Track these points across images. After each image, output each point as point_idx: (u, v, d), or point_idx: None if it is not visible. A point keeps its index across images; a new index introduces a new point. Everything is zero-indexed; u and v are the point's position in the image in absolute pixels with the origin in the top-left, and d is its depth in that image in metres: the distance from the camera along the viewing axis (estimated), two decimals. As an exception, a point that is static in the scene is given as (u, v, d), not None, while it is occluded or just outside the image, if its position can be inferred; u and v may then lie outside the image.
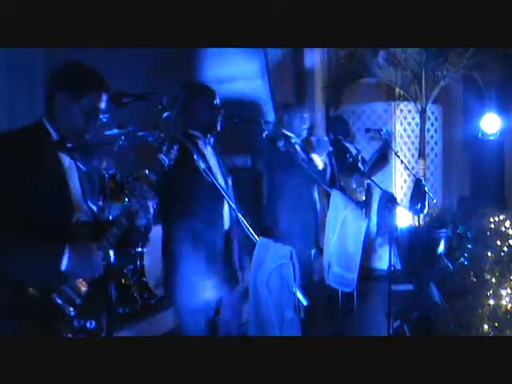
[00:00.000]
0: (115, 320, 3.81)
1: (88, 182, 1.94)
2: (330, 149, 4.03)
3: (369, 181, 5.30)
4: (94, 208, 1.94)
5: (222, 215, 2.64)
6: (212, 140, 2.76)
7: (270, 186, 3.80)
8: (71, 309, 1.77)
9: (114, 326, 2.02)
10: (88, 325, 1.81)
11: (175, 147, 2.04)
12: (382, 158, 5.86)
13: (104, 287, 1.92)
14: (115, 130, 4.22)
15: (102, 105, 1.89)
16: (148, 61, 5.41)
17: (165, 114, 2.16)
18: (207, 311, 2.59)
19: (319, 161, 3.91)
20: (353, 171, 5.17)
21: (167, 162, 2.01)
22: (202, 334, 2.54)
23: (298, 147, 3.70)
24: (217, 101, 2.72)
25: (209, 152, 2.70)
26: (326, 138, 4.04)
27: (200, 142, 2.66)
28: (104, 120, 1.94)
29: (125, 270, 4.19)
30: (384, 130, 5.74)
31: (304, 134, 3.92)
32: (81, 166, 1.92)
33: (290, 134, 3.81)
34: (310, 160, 3.84)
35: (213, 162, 2.69)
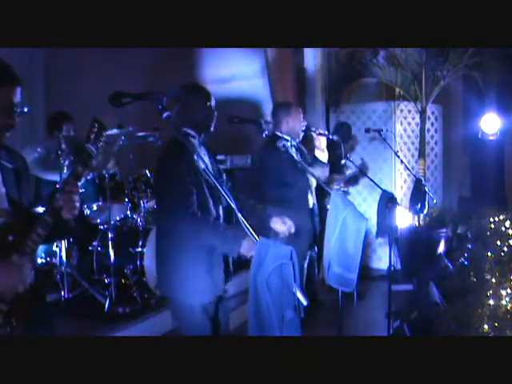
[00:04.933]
0: (107, 320, 3.82)
1: (14, 181, 1.88)
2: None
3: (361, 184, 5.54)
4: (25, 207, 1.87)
5: (219, 214, 2.64)
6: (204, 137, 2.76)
7: (269, 186, 3.81)
8: None
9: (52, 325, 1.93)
10: (15, 331, 1.73)
11: (102, 136, 1.95)
12: (357, 176, 6.04)
13: (34, 290, 1.81)
14: (115, 130, 4.22)
15: (17, 98, 1.82)
16: (148, 61, 5.42)
17: (165, 114, 2.16)
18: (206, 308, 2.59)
19: (324, 156, 3.94)
20: (340, 173, 5.43)
21: (95, 152, 1.93)
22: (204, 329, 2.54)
23: (293, 150, 3.70)
24: (212, 102, 2.71)
25: (202, 151, 2.70)
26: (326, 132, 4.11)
27: (194, 141, 2.65)
28: (25, 110, 1.87)
29: (125, 270, 4.20)
30: (384, 130, 5.77)
31: (301, 136, 3.94)
32: (6, 164, 1.86)
33: (286, 136, 3.81)
34: (315, 158, 3.88)
35: (206, 160, 2.68)
